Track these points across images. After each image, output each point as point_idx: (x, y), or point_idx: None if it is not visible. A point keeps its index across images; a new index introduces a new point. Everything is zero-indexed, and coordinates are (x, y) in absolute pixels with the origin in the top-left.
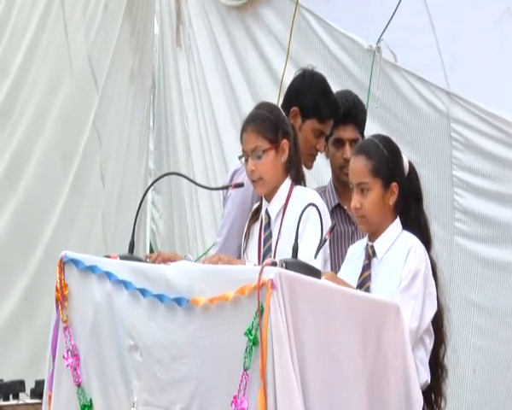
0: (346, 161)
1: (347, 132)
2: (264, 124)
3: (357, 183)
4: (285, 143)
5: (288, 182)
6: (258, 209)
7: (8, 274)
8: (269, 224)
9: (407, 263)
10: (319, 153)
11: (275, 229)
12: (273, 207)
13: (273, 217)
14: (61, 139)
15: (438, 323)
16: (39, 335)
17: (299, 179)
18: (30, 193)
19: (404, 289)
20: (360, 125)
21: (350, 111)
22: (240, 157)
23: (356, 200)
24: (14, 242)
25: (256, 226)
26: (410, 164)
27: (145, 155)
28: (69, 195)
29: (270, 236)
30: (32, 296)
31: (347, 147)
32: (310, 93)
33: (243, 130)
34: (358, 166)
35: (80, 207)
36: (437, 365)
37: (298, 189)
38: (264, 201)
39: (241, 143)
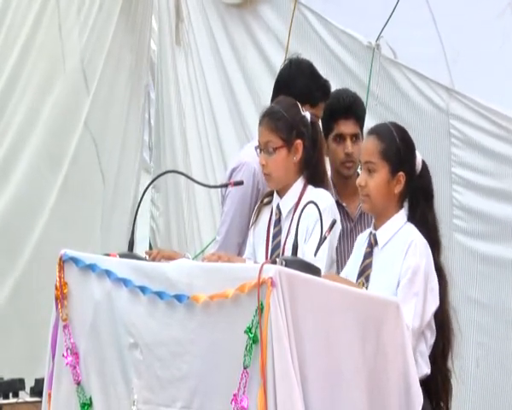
0: (348, 155)
1: (348, 127)
2: (279, 122)
3: (365, 161)
4: (299, 143)
5: (301, 181)
6: (272, 193)
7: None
8: (279, 219)
9: (407, 258)
10: None
11: (284, 226)
12: (285, 204)
13: (284, 214)
14: (50, 140)
15: (445, 333)
16: (33, 334)
17: (317, 180)
18: (20, 193)
19: (405, 287)
20: (360, 119)
21: (350, 106)
22: (256, 147)
23: (362, 178)
24: (3, 241)
25: (266, 212)
26: (424, 163)
27: (139, 152)
28: (59, 195)
29: (279, 232)
30: (23, 296)
31: (348, 141)
32: (300, 80)
33: (260, 122)
34: (369, 145)
35: (75, 207)
36: (444, 369)
37: (310, 189)
38: (275, 195)
39: (258, 133)
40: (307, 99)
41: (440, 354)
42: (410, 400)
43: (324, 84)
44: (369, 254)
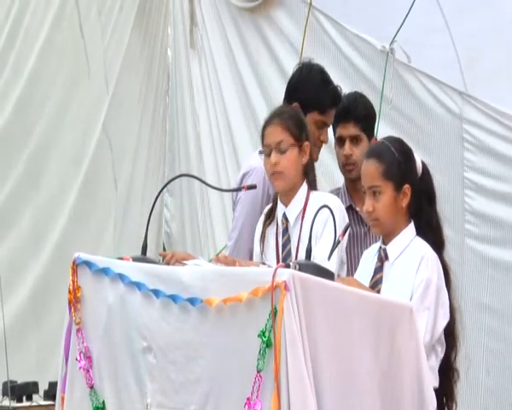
0: (347, 157)
1: (346, 129)
2: (291, 120)
3: (368, 186)
4: (307, 145)
5: (305, 186)
6: (272, 211)
7: (18, 275)
8: (287, 228)
9: (419, 272)
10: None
11: (294, 234)
12: (291, 211)
13: (292, 221)
14: (73, 142)
15: (450, 327)
16: (47, 337)
17: (314, 186)
18: (47, 195)
19: (418, 300)
20: (361, 120)
21: (348, 108)
22: (260, 152)
23: (368, 203)
24: (29, 243)
25: (271, 230)
26: (423, 164)
27: (162, 158)
28: (78, 197)
29: (288, 240)
30: (41, 298)
31: (347, 143)
32: (309, 86)
33: (267, 124)
34: (370, 170)
35: (90, 209)
36: (449, 368)
37: (315, 193)
38: (280, 205)
39: (263, 137)
40: (316, 106)
41: (446, 358)
42: (423, 403)
43: (334, 91)
44: (379, 269)
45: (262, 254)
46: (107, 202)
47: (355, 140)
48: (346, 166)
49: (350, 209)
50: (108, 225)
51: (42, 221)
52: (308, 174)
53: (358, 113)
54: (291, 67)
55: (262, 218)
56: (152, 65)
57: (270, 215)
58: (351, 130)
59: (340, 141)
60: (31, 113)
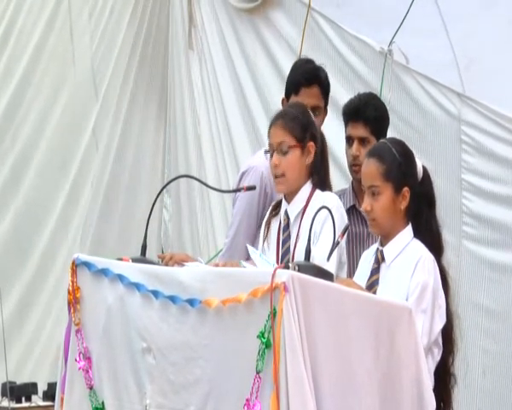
0: (354, 158)
1: (355, 130)
2: (293, 121)
3: (368, 186)
4: (311, 145)
5: (309, 185)
6: (279, 204)
7: (4, 279)
8: (288, 225)
9: (415, 275)
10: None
11: (293, 231)
12: (292, 208)
13: (292, 219)
14: (60, 146)
15: (447, 332)
16: (29, 341)
17: (323, 186)
18: (30, 199)
19: (414, 304)
20: (371, 122)
21: (358, 109)
22: (266, 152)
23: (367, 203)
24: (13, 247)
25: (275, 223)
26: (424, 168)
27: (155, 161)
28: (65, 202)
29: (288, 237)
30: (26, 303)
31: (355, 144)
32: (291, 73)
33: (271, 124)
34: (370, 170)
35: (75, 214)
36: (445, 372)
37: (318, 193)
38: (283, 201)
39: (269, 137)
40: (291, 89)
41: (443, 363)
42: (422, 405)
43: (306, 69)
44: (376, 271)
45: (264, 241)
46: (85, 207)
47: (363, 141)
48: (353, 166)
49: (353, 209)
50: (89, 232)
51: (27, 225)
52: (314, 174)
53: (368, 114)
54: (288, 68)
55: (270, 208)
56: (146, 67)
57: (278, 207)
58: (360, 131)
59: (349, 140)
60: (19, 115)
